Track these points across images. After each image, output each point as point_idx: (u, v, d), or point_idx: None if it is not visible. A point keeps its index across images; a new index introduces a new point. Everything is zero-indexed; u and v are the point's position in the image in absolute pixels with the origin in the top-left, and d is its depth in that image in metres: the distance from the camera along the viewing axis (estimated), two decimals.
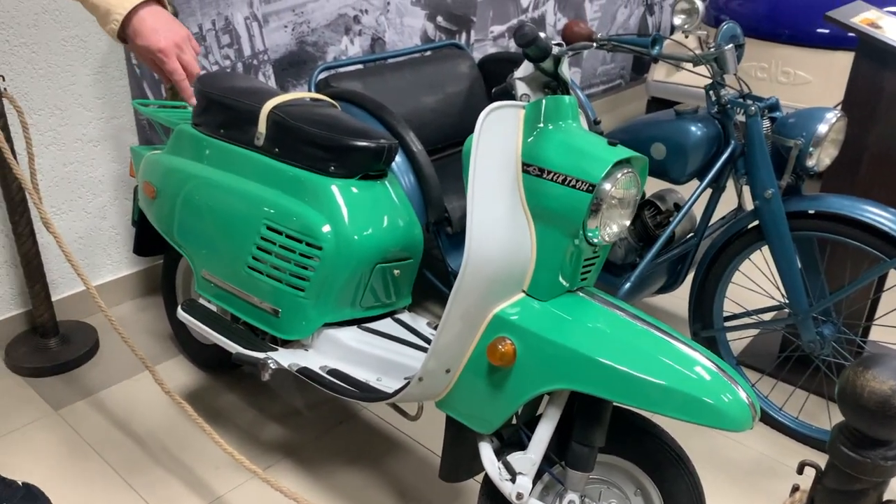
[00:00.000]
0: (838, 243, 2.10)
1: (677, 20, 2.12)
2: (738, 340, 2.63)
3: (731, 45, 2.01)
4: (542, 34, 1.43)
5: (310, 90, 2.69)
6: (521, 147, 1.49)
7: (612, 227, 1.49)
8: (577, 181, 1.43)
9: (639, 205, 2.30)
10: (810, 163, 1.97)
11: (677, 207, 2.29)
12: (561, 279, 1.53)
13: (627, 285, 2.09)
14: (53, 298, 2.62)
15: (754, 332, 2.64)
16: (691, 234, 2.30)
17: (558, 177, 1.45)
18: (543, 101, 1.49)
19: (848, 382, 0.73)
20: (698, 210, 2.30)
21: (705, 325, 2.28)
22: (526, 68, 1.53)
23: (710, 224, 2.28)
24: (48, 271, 2.59)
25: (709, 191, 2.20)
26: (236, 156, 1.98)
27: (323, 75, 2.71)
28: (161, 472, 2.05)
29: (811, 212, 2.03)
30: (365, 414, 2.29)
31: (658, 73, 4.15)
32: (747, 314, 2.28)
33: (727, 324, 2.27)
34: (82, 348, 2.50)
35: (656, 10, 4.94)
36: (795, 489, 0.83)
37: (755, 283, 2.41)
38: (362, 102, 2.43)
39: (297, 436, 2.19)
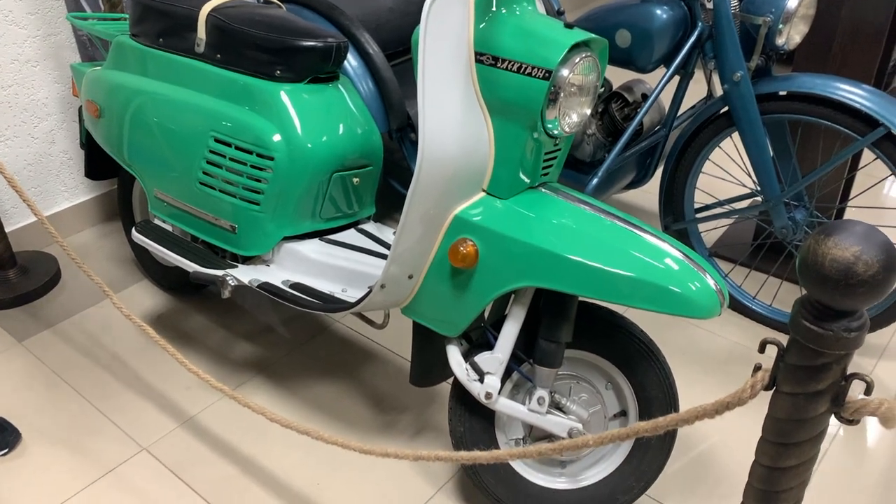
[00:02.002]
0: (810, 124, 2.05)
1: None
2: (712, 232, 2.60)
3: None
4: None
5: None
6: (473, 35, 1.40)
7: (572, 116, 1.42)
8: (533, 68, 1.35)
9: (606, 98, 2.23)
10: (780, 41, 1.89)
11: (645, 98, 2.21)
12: (522, 175, 1.47)
13: (595, 181, 2.03)
14: (8, 229, 2.53)
15: (727, 221, 2.61)
16: (660, 126, 2.23)
17: (513, 65, 1.36)
18: None
19: (809, 252, 0.69)
20: (668, 100, 2.23)
21: (676, 218, 2.25)
22: None
23: (679, 114, 2.21)
24: None
25: (677, 79, 2.12)
26: (177, 65, 1.87)
27: None
28: (131, 395, 2.02)
29: (782, 93, 1.97)
30: (336, 327, 2.26)
31: None
32: (719, 204, 2.24)
33: (699, 215, 2.23)
34: (43, 278, 2.43)
35: None
36: (758, 368, 0.80)
37: (726, 172, 2.36)
38: (312, 3, 2.28)
39: (269, 353, 2.16)
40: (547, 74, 1.34)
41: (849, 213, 2.59)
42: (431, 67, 1.36)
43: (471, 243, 1.44)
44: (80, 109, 2.30)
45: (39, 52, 2.45)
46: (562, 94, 1.36)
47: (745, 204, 2.56)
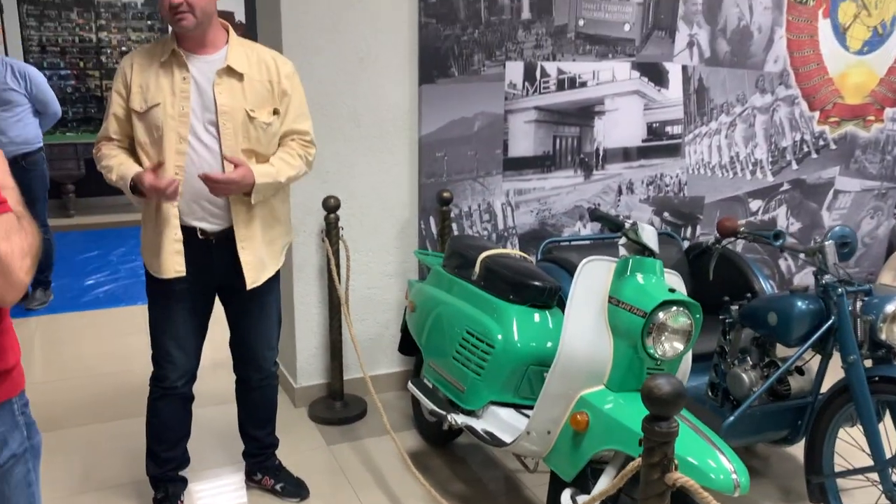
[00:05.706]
0: None
1: None
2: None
3: (831, 242, 2.59)
4: (620, 216, 2.28)
5: (537, 256, 3.68)
6: (610, 286, 2.29)
7: (665, 346, 2.19)
8: (638, 310, 2.18)
9: (768, 363, 2.85)
10: (882, 336, 2.41)
11: (798, 370, 2.77)
12: (630, 379, 2.24)
13: (732, 418, 2.62)
14: (345, 378, 3.81)
15: (857, 482, 2.83)
16: (808, 394, 2.75)
17: (627, 306, 2.21)
18: (630, 260, 2.29)
19: (646, 389, 1.44)
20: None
21: (816, 473, 2.66)
22: (623, 239, 2.35)
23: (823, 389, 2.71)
24: (343, 358, 3.81)
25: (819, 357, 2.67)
26: (461, 286, 3.01)
27: (549, 246, 3.69)
28: (381, 494, 2.99)
29: None
30: (525, 492, 3.02)
31: (885, 276, 4.42)
32: (855, 469, 2.61)
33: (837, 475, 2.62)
34: (355, 412, 3.62)
35: None
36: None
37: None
38: (563, 264, 3.34)
39: (477, 495, 2.99)
40: (644, 314, 2.16)
41: None
42: (578, 301, 2.27)
43: (585, 414, 2.22)
44: (405, 308, 3.55)
45: (396, 270, 3.84)
46: (654, 329, 2.15)
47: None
